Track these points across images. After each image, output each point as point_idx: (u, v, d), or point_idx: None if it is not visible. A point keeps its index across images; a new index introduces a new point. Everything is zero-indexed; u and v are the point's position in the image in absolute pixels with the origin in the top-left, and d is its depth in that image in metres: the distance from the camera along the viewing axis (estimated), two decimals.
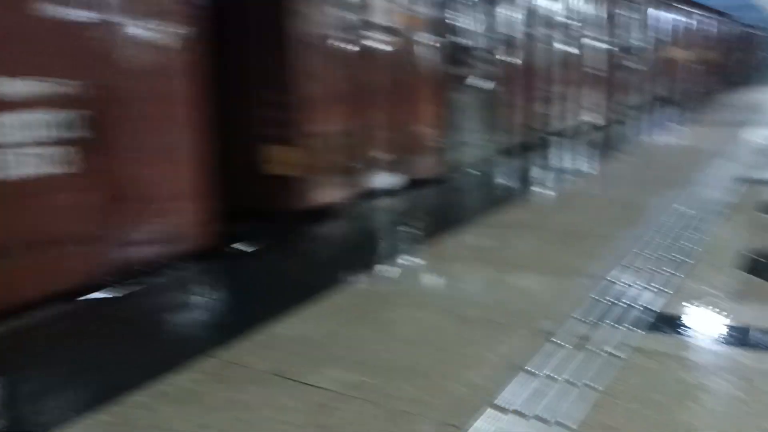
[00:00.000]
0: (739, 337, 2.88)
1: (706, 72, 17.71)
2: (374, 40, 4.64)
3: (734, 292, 3.38)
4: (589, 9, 9.52)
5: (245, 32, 4.46)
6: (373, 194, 4.56)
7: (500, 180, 6.18)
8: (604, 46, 10.09)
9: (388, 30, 4.73)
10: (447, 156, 5.36)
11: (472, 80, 5.78)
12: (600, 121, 9.59)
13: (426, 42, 5.18)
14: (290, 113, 4.21)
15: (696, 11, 15.94)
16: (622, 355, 2.71)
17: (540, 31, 7.71)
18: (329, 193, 4.45)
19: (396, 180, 4.71)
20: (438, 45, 5.26)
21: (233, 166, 3.98)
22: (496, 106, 6.39)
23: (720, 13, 19.00)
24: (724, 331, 2.95)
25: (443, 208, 4.86)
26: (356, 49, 4.50)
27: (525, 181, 6.65)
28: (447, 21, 5.41)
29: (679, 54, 14.74)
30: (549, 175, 7.02)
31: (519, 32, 7.13)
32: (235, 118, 4.18)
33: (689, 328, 3.00)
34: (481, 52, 6.00)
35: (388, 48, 4.75)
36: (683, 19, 14.83)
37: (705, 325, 3.03)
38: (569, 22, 8.68)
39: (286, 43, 4.29)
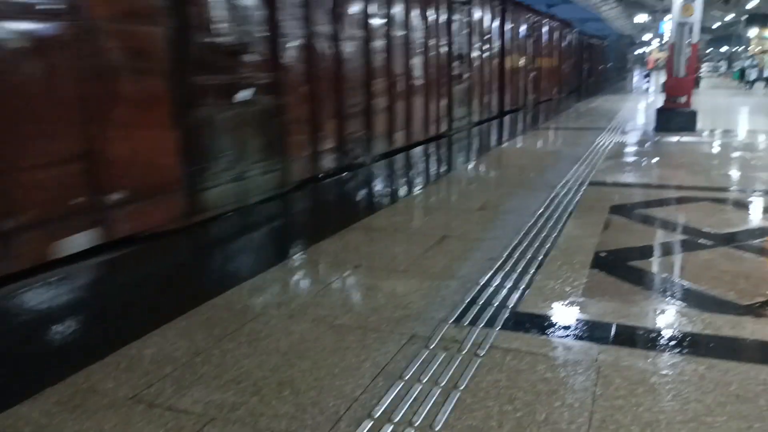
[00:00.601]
0: (594, 332, 3.09)
1: (554, 80, 18.87)
2: (41, 30, 2.91)
3: (588, 290, 3.63)
4: (419, 13, 8.29)
5: None
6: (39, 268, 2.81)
7: (295, 215, 4.89)
8: (441, 52, 9.18)
9: (68, 13, 3.01)
10: (200, 195, 3.82)
11: (243, 92, 4.32)
12: (436, 133, 8.50)
13: (152, 37, 3.56)
14: None
15: (543, 20, 16.86)
16: (491, 356, 2.81)
17: (351, 33, 6.24)
18: None
19: (94, 238, 3.05)
20: (179, 43, 3.73)
21: None
22: (286, 124, 4.87)
23: (565, 23, 20.40)
24: (581, 327, 3.15)
25: (163, 280, 3.45)
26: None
27: (330, 213, 5.48)
28: (195, 9, 3.87)
29: (524, 62, 15.09)
30: (364, 203, 6.10)
31: (321, 34, 5.62)
32: None
33: (549, 325, 3.17)
34: (257, 55, 4.49)
35: (73, 44, 3.04)
36: (530, 27, 15.27)
37: (562, 322, 3.21)
38: (390, 24, 7.28)
39: None
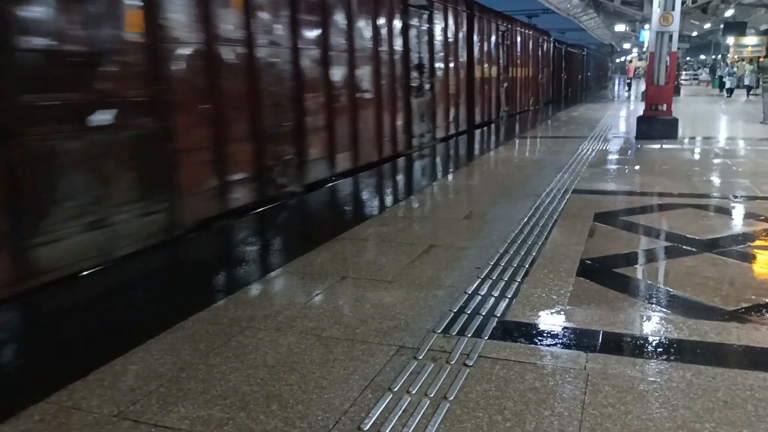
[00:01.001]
0: (582, 340, 3.09)
1: (531, 90, 18.85)
2: None
3: (575, 298, 3.64)
4: (365, 16, 7.00)
5: None
6: None
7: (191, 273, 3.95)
8: (395, 61, 8.00)
9: None
10: (35, 253, 2.96)
11: (102, 114, 3.36)
12: (393, 152, 7.40)
13: None
14: None
15: (517, 28, 16.72)
16: (480, 366, 2.80)
17: (273, 38, 5.13)
18: None
19: None
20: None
21: None
22: (175, 152, 3.93)
23: (542, 32, 20.52)
24: (569, 335, 3.15)
25: None
26: None
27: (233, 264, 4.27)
28: (16, 5, 2.94)
29: (498, 72, 14.17)
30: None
31: (228, 38, 4.57)
32: None
33: (537, 334, 3.17)
34: (125, 65, 3.53)
35: None
36: (502, 35, 14.64)
37: (550, 330, 3.22)
38: (328, 27, 6.10)
39: None
